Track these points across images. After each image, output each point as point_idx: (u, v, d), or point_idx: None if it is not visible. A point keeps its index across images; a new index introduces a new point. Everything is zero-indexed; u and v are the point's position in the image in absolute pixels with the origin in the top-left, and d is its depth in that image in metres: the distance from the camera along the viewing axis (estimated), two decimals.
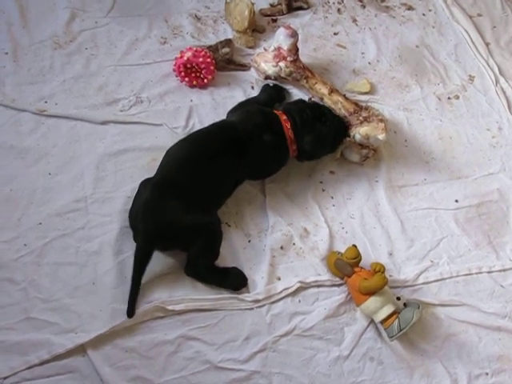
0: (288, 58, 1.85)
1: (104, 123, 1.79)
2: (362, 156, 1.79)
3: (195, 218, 1.50)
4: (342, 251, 1.62)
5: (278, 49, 1.88)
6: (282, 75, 1.88)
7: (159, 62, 1.96)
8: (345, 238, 1.70)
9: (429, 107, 2.04)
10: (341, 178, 1.81)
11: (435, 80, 2.12)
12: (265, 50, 1.97)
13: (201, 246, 1.53)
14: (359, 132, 1.73)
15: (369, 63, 2.12)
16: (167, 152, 1.63)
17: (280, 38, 1.88)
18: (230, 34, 2.07)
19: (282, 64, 1.86)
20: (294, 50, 1.87)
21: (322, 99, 1.86)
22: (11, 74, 1.85)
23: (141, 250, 1.50)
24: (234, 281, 1.57)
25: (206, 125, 1.74)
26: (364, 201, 1.79)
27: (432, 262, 1.71)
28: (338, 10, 2.25)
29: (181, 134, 1.75)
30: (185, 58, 1.86)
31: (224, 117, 1.79)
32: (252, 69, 1.97)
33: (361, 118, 1.75)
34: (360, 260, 1.58)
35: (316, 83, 1.85)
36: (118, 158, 1.73)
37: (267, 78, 1.91)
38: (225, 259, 1.60)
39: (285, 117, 1.67)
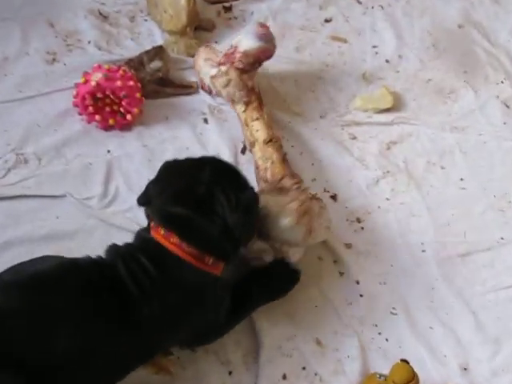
0: (236, 64, 1.50)
1: None
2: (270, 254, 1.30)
3: None
4: (386, 372, 1.21)
5: (235, 48, 1.52)
6: (217, 84, 1.52)
7: (48, 93, 1.55)
8: (385, 349, 1.28)
9: (491, 121, 1.63)
10: (364, 252, 1.37)
11: (496, 76, 1.72)
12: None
13: None
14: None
15: (386, 61, 1.72)
16: None
17: (244, 37, 1.52)
18: (159, 38, 1.68)
19: (223, 67, 1.51)
20: (254, 59, 1.52)
21: (252, 145, 1.47)
22: None
23: None
24: None
25: (135, 189, 1.32)
26: (408, 285, 1.36)
27: None
28: None
29: (97, 209, 1.36)
30: (92, 84, 1.46)
31: None
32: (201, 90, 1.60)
33: (277, 186, 1.38)
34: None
35: (257, 119, 1.47)
36: None
37: (202, 87, 1.59)
38: None
39: (162, 231, 1.18)
